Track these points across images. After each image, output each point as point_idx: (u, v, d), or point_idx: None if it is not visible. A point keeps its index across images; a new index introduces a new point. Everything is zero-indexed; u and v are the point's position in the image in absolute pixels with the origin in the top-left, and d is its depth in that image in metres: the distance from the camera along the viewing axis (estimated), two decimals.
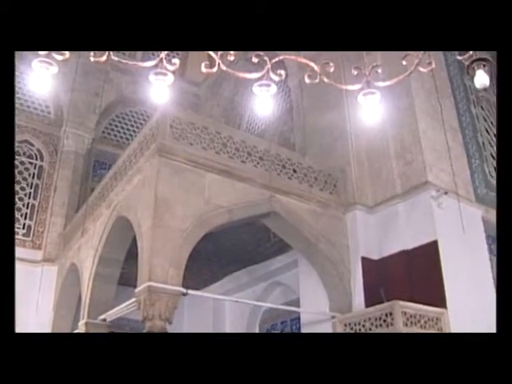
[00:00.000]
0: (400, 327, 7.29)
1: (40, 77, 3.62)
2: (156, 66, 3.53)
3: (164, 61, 3.51)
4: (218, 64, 3.55)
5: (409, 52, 3.87)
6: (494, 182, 10.56)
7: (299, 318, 10.43)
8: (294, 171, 9.25)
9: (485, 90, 11.26)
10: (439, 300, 8.04)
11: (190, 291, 7.37)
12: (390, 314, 7.50)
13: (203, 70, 3.60)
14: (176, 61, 3.56)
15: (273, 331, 12.55)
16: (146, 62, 3.64)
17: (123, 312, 8.60)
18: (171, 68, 3.52)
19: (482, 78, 3.71)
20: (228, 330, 13.26)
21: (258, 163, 8.77)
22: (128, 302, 8.04)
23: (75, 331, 10.20)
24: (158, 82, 3.54)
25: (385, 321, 7.56)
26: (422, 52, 3.85)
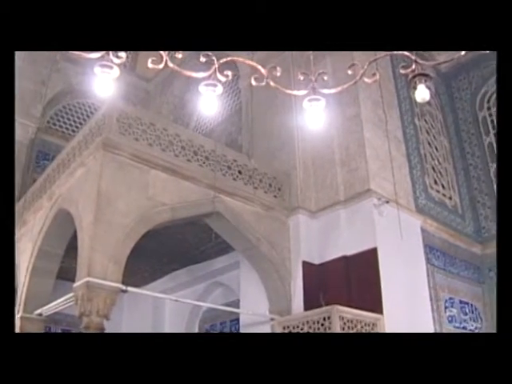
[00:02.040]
0: (337, 331, 7.42)
1: None
2: (102, 57, 3.47)
3: (110, 53, 3.45)
4: (166, 61, 3.53)
5: (355, 62, 3.95)
6: (433, 193, 10.90)
7: (239, 320, 10.47)
8: (240, 172, 9.28)
9: (429, 104, 11.62)
10: (376, 306, 8.21)
11: (129, 288, 7.28)
12: (328, 317, 7.61)
13: (149, 65, 3.57)
14: (122, 54, 3.48)
15: (212, 331, 12.56)
16: (92, 53, 3.56)
17: (60, 307, 8.41)
18: (117, 61, 3.47)
19: (422, 93, 3.81)
20: (167, 328, 13.19)
21: (204, 163, 8.75)
22: (65, 297, 7.88)
23: None
24: (103, 75, 3.49)
25: (323, 325, 7.66)
26: (368, 62, 3.93)
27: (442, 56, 8.52)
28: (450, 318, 9.77)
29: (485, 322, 10.59)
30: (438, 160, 11.58)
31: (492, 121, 12.16)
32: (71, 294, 7.35)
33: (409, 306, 8.65)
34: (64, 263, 9.55)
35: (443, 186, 11.36)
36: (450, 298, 10.01)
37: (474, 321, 10.37)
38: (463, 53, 3.69)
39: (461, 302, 10.24)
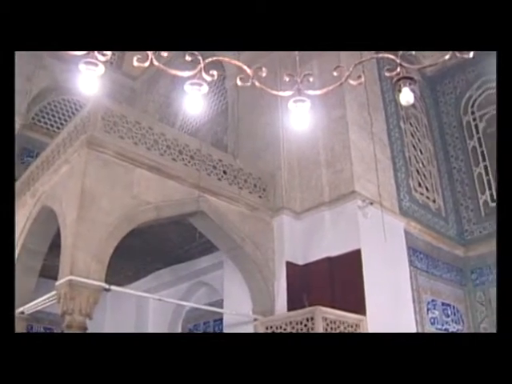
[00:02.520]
0: (320, 332, 7.43)
1: None
2: (87, 54, 3.46)
3: (95, 50, 3.44)
4: (151, 60, 3.52)
5: (341, 64, 3.97)
6: (417, 196, 10.97)
7: (222, 320, 10.45)
8: (225, 172, 9.27)
9: (414, 107, 11.69)
10: (359, 307, 8.23)
11: (112, 287, 7.23)
12: (312, 318, 7.62)
13: (135, 63, 3.56)
14: (107, 52, 3.49)
15: (195, 331, 12.53)
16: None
17: (42, 305, 8.34)
18: (102, 58, 3.46)
19: (407, 96, 3.84)
20: (150, 328, 13.12)
21: (189, 162, 8.73)
22: (48, 296, 7.80)
23: None
24: (88, 72, 3.47)
25: (306, 325, 7.67)
26: (354, 65, 3.94)
27: (427, 59, 8.59)
28: (432, 320, 9.84)
29: (466, 324, 10.68)
30: (423, 163, 11.66)
31: (476, 125, 12.28)
32: (54, 293, 7.28)
33: (392, 307, 8.69)
34: (47, 261, 9.47)
35: (427, 189, 11.44)
36: (433, 300, 10.08)
37: (455, 323, 10.45)
38: (447, 56, 3.71)
39: (443, 304, 10.32)
